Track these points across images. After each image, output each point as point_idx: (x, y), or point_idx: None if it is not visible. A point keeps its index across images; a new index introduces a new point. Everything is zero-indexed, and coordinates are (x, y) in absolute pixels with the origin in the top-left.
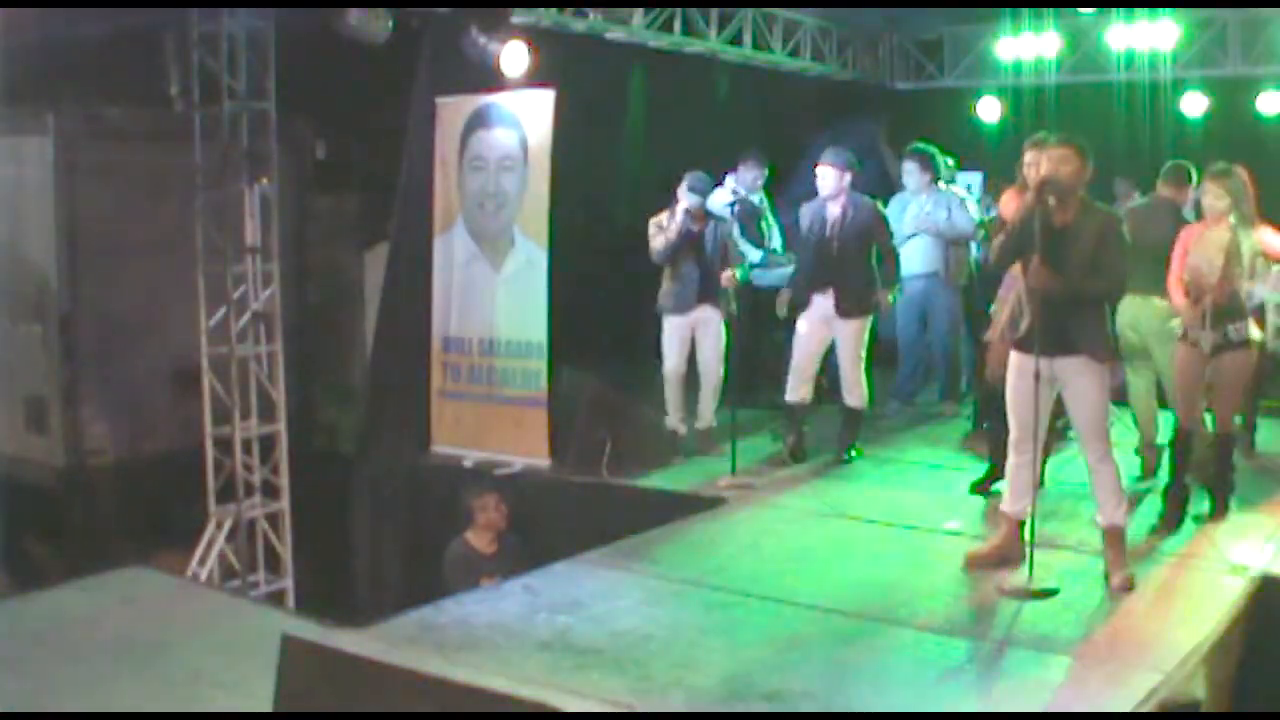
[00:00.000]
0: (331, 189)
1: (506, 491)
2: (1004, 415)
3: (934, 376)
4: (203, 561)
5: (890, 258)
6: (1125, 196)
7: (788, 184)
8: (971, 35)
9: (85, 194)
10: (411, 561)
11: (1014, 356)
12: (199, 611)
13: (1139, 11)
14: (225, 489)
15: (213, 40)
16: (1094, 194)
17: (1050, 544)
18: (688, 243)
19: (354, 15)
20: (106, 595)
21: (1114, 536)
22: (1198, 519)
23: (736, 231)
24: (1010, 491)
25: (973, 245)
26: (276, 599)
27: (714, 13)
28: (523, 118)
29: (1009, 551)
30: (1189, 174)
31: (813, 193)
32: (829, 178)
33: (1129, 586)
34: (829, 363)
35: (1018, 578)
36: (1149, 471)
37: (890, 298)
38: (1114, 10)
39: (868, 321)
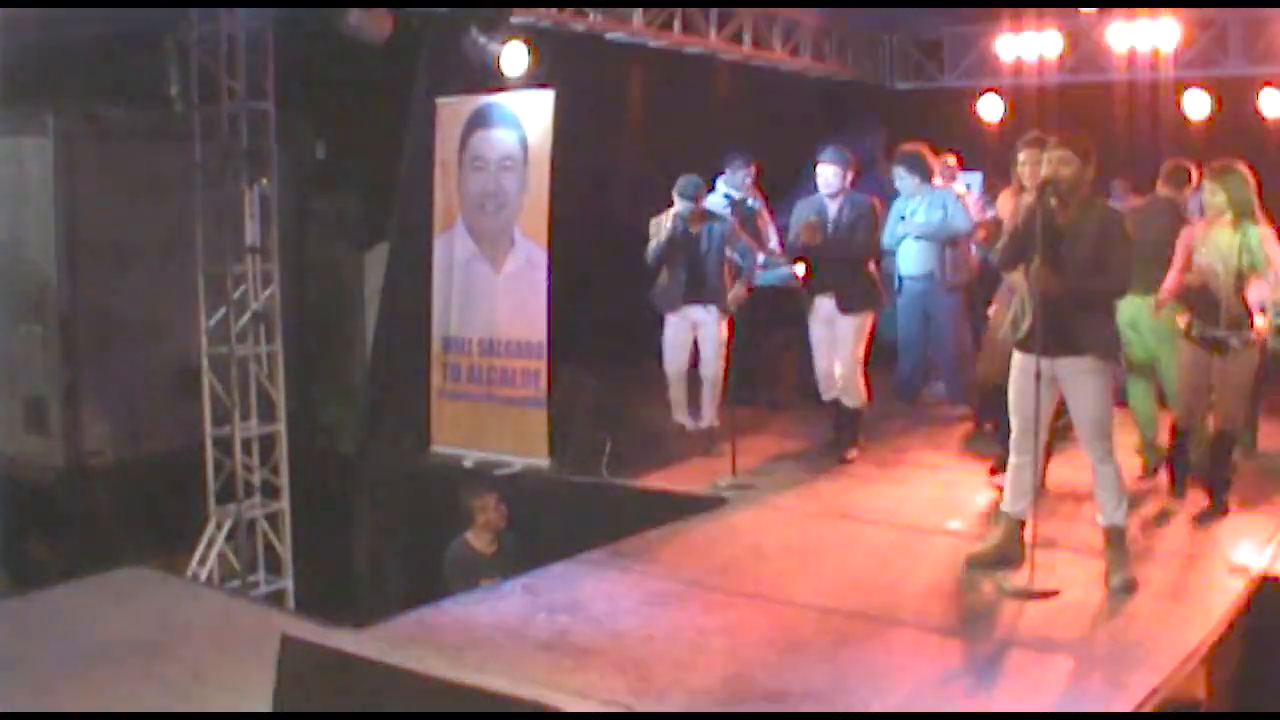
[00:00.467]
0: (331, 189)
1: (506, 491)
2: (993, 412)
3: (935, 377)
4: (203, 561)
5: (868, 244)
6: (1122, 196)
7: (786, 184)
8: (971, 35)
9: (85, 194)
10: (411, 561)
11: (1016, 357)
12: (199, 611)
13: (1139, 11)
14: (225, 489)
15: (212, 40)
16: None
17: (1050, 544)
18: (682, 244)
19: (354, 15)
20: (106, 595)
21: (1115, 537)
22: (1198, 519)
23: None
24: (1010, 491)
25: (973, 245)
26: (276, 599)
27: (714, 13)
28: (523, 118)
29: (1009, 551)
30: (1189, 174)
31: (812, 192)
32: (831, 176)
33: (1129, 587)
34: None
35: (1018, 578)
36: (1149, 471)
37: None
38: (1114, 10)
39: (869, 320)
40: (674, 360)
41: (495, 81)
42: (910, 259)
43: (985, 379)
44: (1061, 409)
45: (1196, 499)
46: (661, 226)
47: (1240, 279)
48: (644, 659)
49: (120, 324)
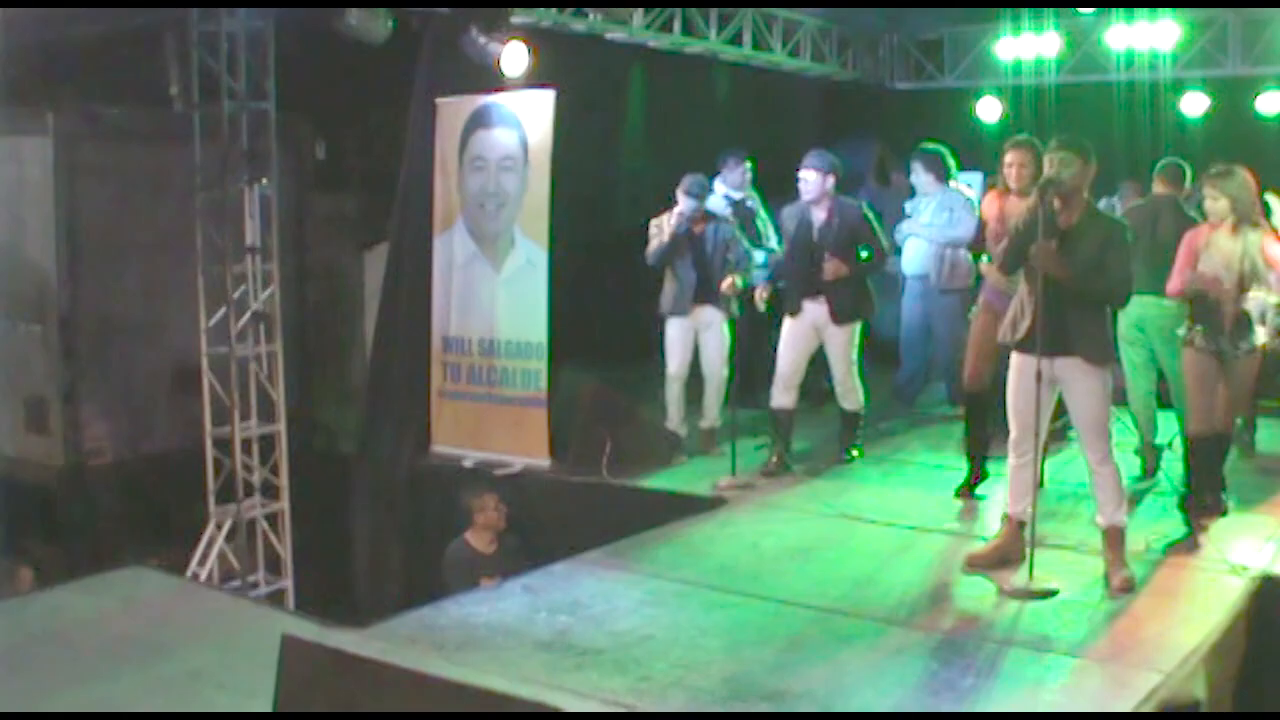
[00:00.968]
0: (331, 189)
1: (506, 491)
2: (982, 419)
3: (935, 378)
4: (203, 561)
5: (879, 255)
6: (1129, 198)
7: (786, 184)
8: (971, 35)
9: (85, 194)
10: (411, 561)
11: (1015, 357)
12: (199, 611)
13: (1139, 11)
14: (225, 489)
15: (213, 40)
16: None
17: (1050, 544)
18: (686, 245)
19: (354, 15)
20: (106, 595)
21: (1114, 537)
22: (1198, 519)
23: (739, 233)
24: (1010, 492)
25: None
26: (276, 599)
27: (714, 13)
28: (523, 118)
29: (1009, 551)
30: (1184, 172)
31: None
32: (811, 182)
33: (1129, 587)
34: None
35: (1018, 578)
36: (1148, 472)
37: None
38: (1114, 10)
39: (859, 327)
40: (678, 362)
41: (495, 81)
42: (911, 258)
43: (970, 384)
44: (1060, 409)
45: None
46: (662, 228)
47: (1243, 285)
48: (644, 659)
49: (120, 324)
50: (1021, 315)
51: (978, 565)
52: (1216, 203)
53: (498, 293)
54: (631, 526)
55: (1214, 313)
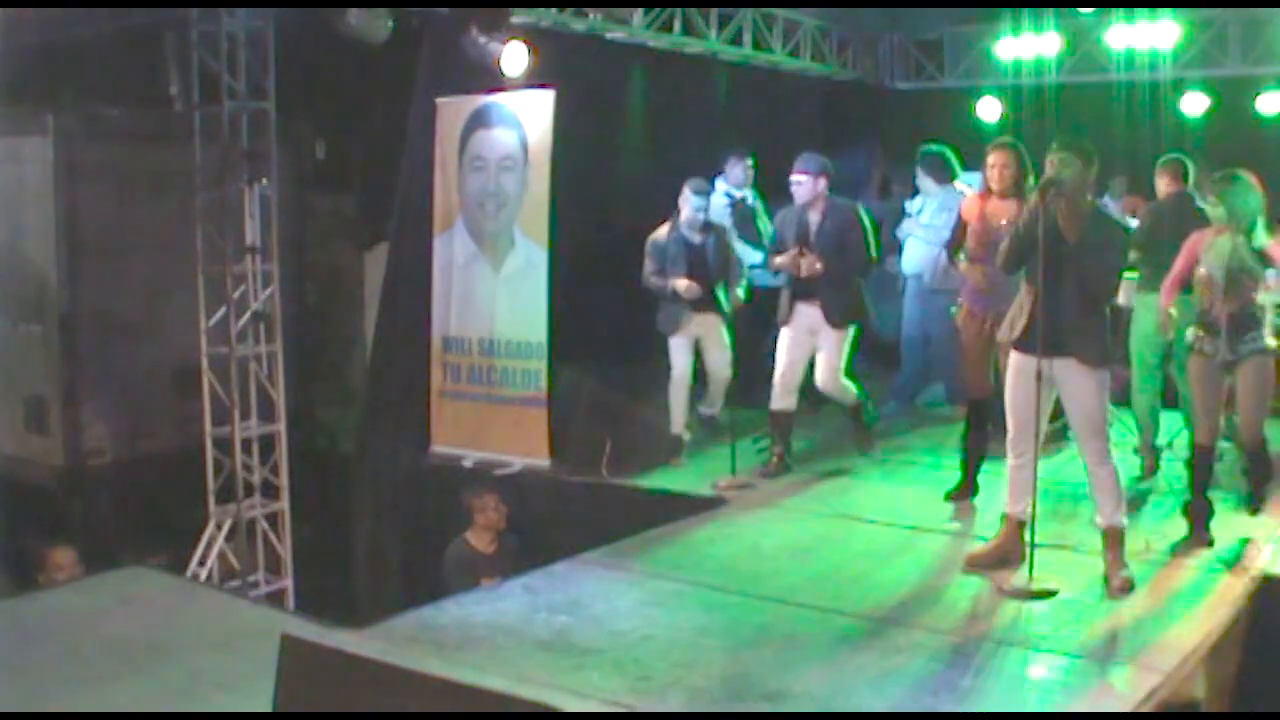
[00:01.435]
0: (331, 189)
1: (506, 491)
2: (983, 425)
3: (935, 378)
4: (203, 561)
5: (864, 257)
6: (1121, 195)
7: (785, 184)
8: (971, 35)
9: (85, 194)
10: (411, 561)
11: (1014, 356)
12: (199, 611)
13: (1139, 11)
14: (225, 489)
15: (213, 40)
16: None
17: (1050, 544)
18: (684, 258)
19: (354, 15)
20: (106, 595)
21: (1113, 537)
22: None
23: (735, 238)
24: (1010, 492)
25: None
26: (276, 599)
27: (714, 13)
28: (523, 118)
29: (1009, 551)
30: (1185, 167)
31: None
32: (804, 185)
33: (1128, 587)
34: None
35: (1018, 578)
36: (1148, 472)
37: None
38: (1114, 10)
39: (851, 331)
40: (682, 367)
41: (495, 81)
42: (911, 258)
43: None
44: (1059, 409)
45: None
46: (657, 245)
47: (1237, 288)
48: (644, 659)
49: (120, 324)
50: (1020, 314)
51: (977, 565)
52: (1216, 210)
53: (497, 293)
54: (631, 526)
55: (1208, 315)
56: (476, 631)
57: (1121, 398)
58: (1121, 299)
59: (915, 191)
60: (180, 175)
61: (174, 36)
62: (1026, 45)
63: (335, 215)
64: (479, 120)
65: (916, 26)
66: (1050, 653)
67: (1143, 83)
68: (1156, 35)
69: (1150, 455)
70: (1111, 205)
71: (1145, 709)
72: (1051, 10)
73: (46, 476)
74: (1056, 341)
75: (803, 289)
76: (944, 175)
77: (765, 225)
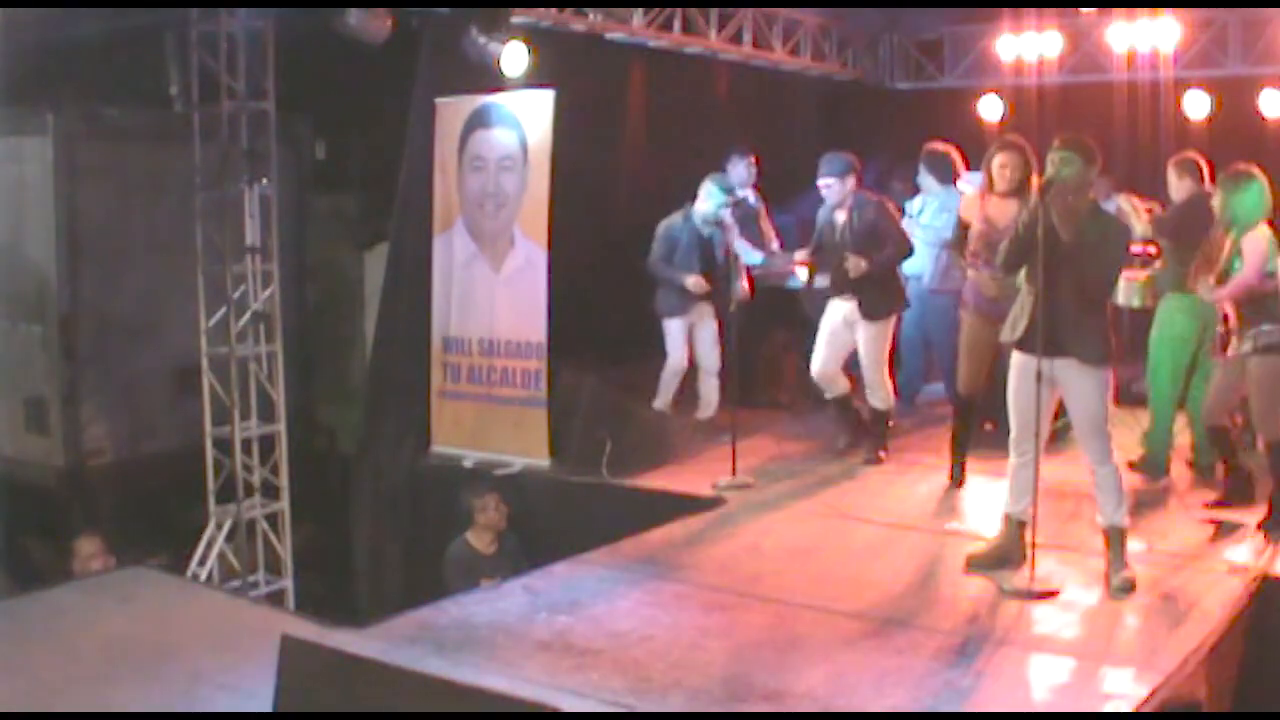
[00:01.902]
0: (331, 189)
1: (506, 491)
2: (969, 423)
3: (935, 378)
4: (203, 561)
5: (899, 245)
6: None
7: (786, 184)
8: (971, 35)
9: (85, 194)
10: (411, 561)
11: (1015, 356)
12: (199, 611)
13: (1139, 11)
14: (225, 489)
15: (212, 40)
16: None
17: (1050, 544)
18: (697, 248)
19: (354, 15)
20: (106, 595)
21: (1114, 537)
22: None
23: (736, 237)
24: (1010, 491)
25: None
26: (276, 599)
27: (714, 12)
28: (523, 118)
29: (1009, 551)
30: (1201, 167)
31: (814, 193)
32: (833, 188)
33: (1129, 587)
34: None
35: (1018, 578)
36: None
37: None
38: (1114, 10)
39: (891, 323)
40: (680, 356)
41: (495, 81)
42: (911, 259)
43: (963, 389)
44: (1061, 409)
45: (1197, 495)
46: (671, 231)
47: (1244, 285)
48: (644, 659)
49: (120, 324)
50: (1021, 314)
51: (978, 565)
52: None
53: (498, 293)
54: (631, 526)
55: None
56: (476, 631)
57: (1132, 398)
58: (1137, 301)
59: (915, 191)
60: (180, 175)
61: (174, 36)
62: (1026, 45)
63: (335, 215)
64: (479, 120)
65: (916, 26)
66: (1050, 653)
67: (1143, 82)
68: (1157, 35)
69: (1166, 457)
70: (1120, 203)
71: (1145, 709)
72: (1051, 10)
73: (46, 476)
74: (1057, 341)
75: (839, 286)
76: (946, 176)
77: (765, 225)
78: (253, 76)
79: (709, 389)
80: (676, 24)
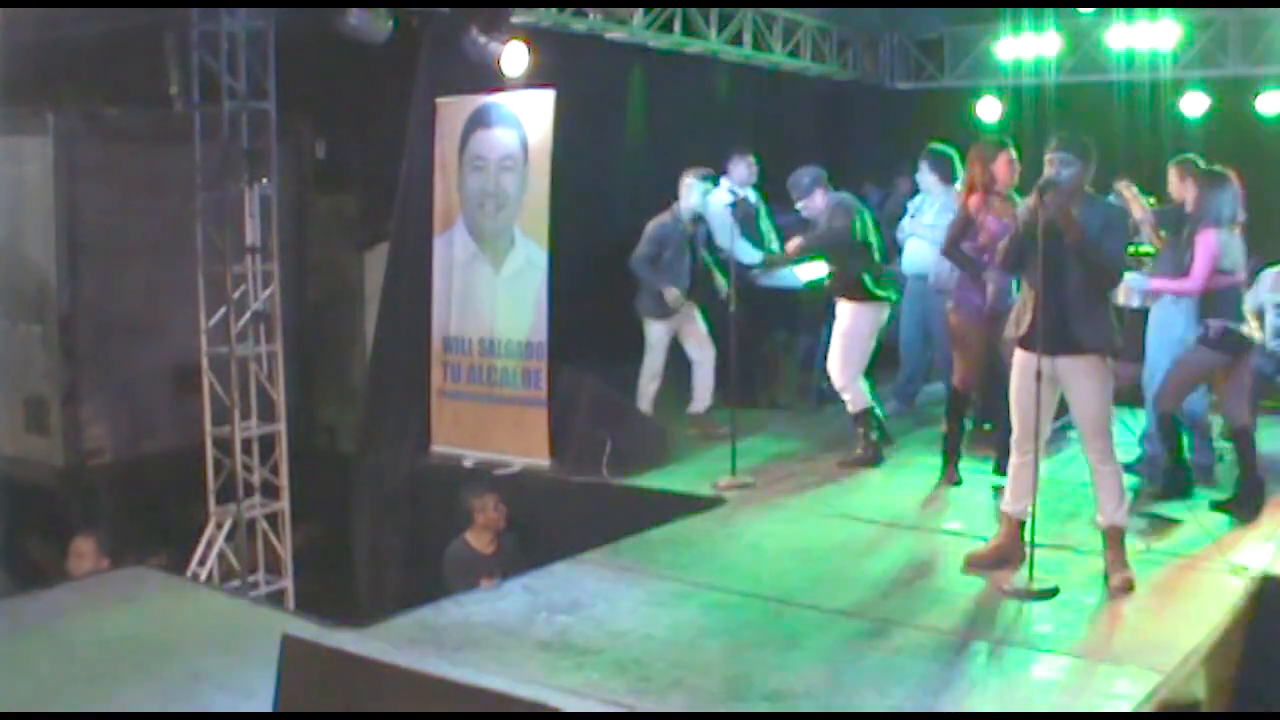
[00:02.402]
0: (331, 189)
1: (506, 491)
2: (961, 419)
3: (935, 378)
4: (203, 561)
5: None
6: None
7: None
8: (971, 35)
9: (85, 194)
10: (411, 561)
11: (1018, 354)
12: (199, 611)
13: (1139, 11)
14: (225, 489)
15: (213, 40)
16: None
17: (1050, 544)
18: (688, 245)
19: (354, 15)
20: (106, 595)
21: (1114, 537)
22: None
23: (738, 236)
24: (1010, 491)
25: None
26: (276, 599)
27: (714, 13)
28: (523, 118)
29: (1009, 551)
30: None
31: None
32: (808, 207)
33: (1129, 587)
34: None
35: (1018, 578)
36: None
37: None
38: (1114, 10)
39: (863, 311)
40: (662, 362)
41: (495, 81)
42: (912, 258)
43: (959, 385)
44: (1062, 408)
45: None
46: (662, 230)
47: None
48: (644, 659)
49: (120, 324)
50: (1024, 312)
51: (978, 565)
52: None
53: (498, 292)
54: (631, 526)
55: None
56: (476, 631)
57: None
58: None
59: (915, 191)
60: (180, 175)
61: (174, 36)
62: (1026, 45)
63: (335, 215)
64: (479, 120)
65: (916, 26)
66: (1050, 653)
67: (1143, 83)
68: (1156, 35)
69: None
70: (1121, 190)
71: (1145, 709)
72: (1051, 10)
73: (46, 476)
74: (1061, 339)
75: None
76: (948, 176)
77: (765, 224)
78: (253, 76)
79: (702, 382)
80: (676, 24)
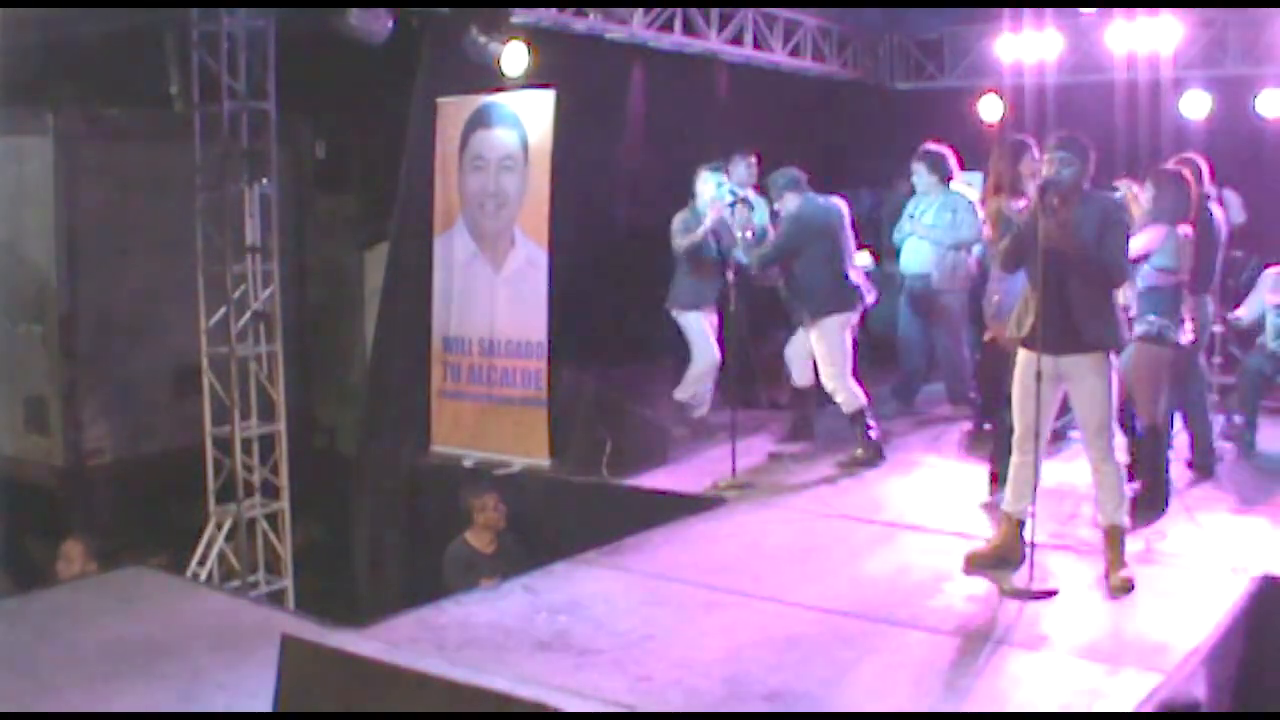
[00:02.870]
0: (331, 189)
1: (506, 491)
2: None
3: (935, 377)
4: (203, 561)
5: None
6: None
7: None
8: (971, 35)
9: (85, 194)
10: (411, 561)
11: (1020, 354)
12: (199, 611)
13: (1139, 11)
14: (225, 489)
15: (213, 40)
16: None
17: (1050, 544)
18: (714, 240)
19: (354, 15)
20: (106, 595)
21: (1114, 536)
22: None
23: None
24: (1010, 490)
25: (974, 248)
26: (276, 599)
27: (714, 13)
28: (523, 118)
29: (1009, 551)
30: (1200, 167)
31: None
32: (787, 205)
33: (1129, 587)
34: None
35: (1018, 578)
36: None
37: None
38: (1114, 10)
39: (837, 322)
40: (712, 349)
41: (495, 81)
42: (911, 258)
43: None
44: (1063, 408)
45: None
46: (686, 224)
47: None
48: (644, 659)
49: (120, 324)
50: (1026, 312)
51: (978, 565)
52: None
53: (498, 292)
54: (631, 526)
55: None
56: (476, 631)
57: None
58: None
59: (913, 192)
60: (180, 175)
61: (174, 36)
62: (1026, 45)
63: (335, 215)
64: (479, 120)
65: (916, 26)
66: (1050, 653)
67: (1143, 83)
68: (1156, 35)
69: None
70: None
71: (1145, 709)
72: (1051, 10)
73: (46, 476)
74: (1065, 338)
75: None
76: (945, 175)
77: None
78: (253, 76)
79: (692, 372)
80: (677, 24)
